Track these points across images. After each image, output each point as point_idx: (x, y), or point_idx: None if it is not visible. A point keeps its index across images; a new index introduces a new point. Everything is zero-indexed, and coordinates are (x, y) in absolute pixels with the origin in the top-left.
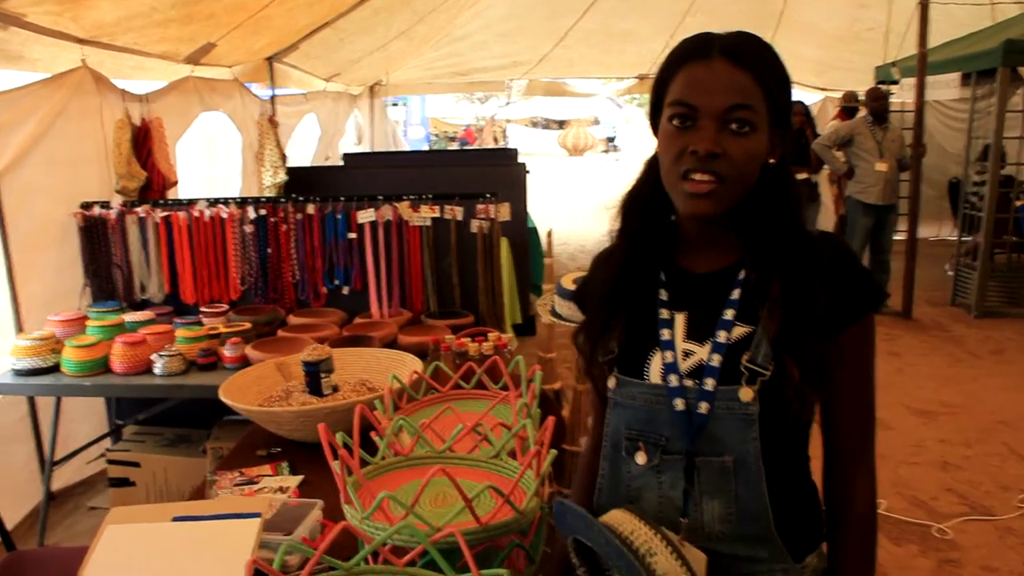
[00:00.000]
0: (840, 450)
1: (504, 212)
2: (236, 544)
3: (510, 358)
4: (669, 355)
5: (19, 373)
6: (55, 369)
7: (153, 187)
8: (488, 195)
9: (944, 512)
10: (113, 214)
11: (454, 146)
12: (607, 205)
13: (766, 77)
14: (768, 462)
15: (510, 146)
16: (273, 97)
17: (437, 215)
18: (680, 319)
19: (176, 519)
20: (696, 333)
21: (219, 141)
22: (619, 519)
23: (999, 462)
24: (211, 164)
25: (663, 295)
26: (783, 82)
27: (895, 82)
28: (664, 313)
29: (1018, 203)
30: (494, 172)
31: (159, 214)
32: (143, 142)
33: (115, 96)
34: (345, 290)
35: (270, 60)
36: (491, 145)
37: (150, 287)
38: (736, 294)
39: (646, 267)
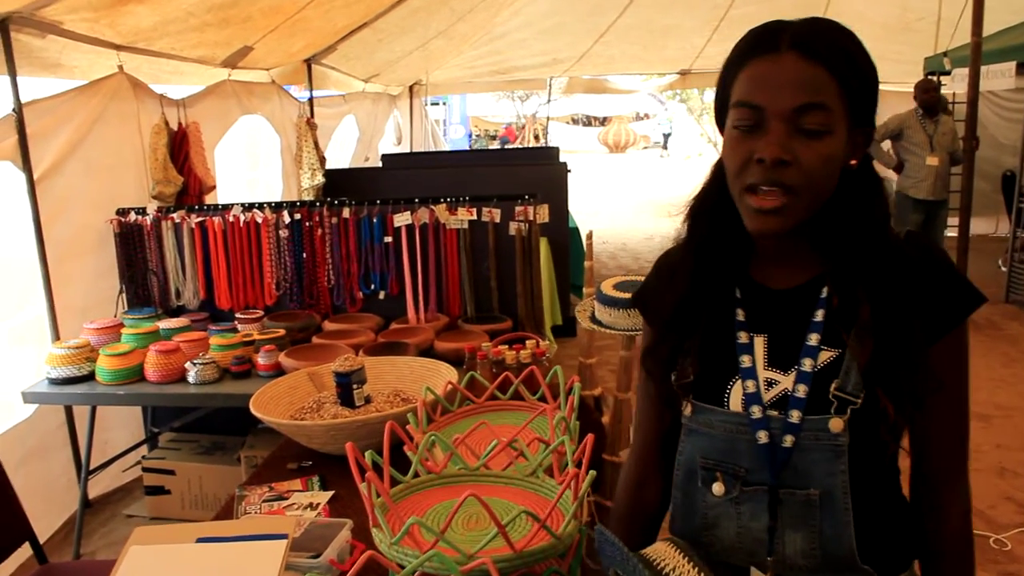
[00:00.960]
0: (933, 469)
1: (543, 214)
2: (261, 567)
3: (548, 367)
4: (751, 384)
5: (54, 382)
6: (90, 378)
7: (190, 192)
8: (527, 196)
9: (1002, 522)
10: (149, 220)
11: (495, 145)
12: (672, 208)
13: (843, 69)
14: (855, 493)
15: (551, 144)
16: (311, 99)
17: (474, 218)
18: (759, 343)
19: (200, 540)
20: (778, 359)
21: (259, 144)
22: (660, 552)
23: None
24: (251, 167)
25: (740, 315)
26: (865, 74)
27: (946, 72)
28: (743, 337)
29: None
30: (535, 171)
31: (194, 219)
32: (180, 147)
33: (153, 101)
34: (381, 295)
35: (308, 62)
36: (532, 143)
37: (185, 293)
38: (820, 315)
39: (718, 282)
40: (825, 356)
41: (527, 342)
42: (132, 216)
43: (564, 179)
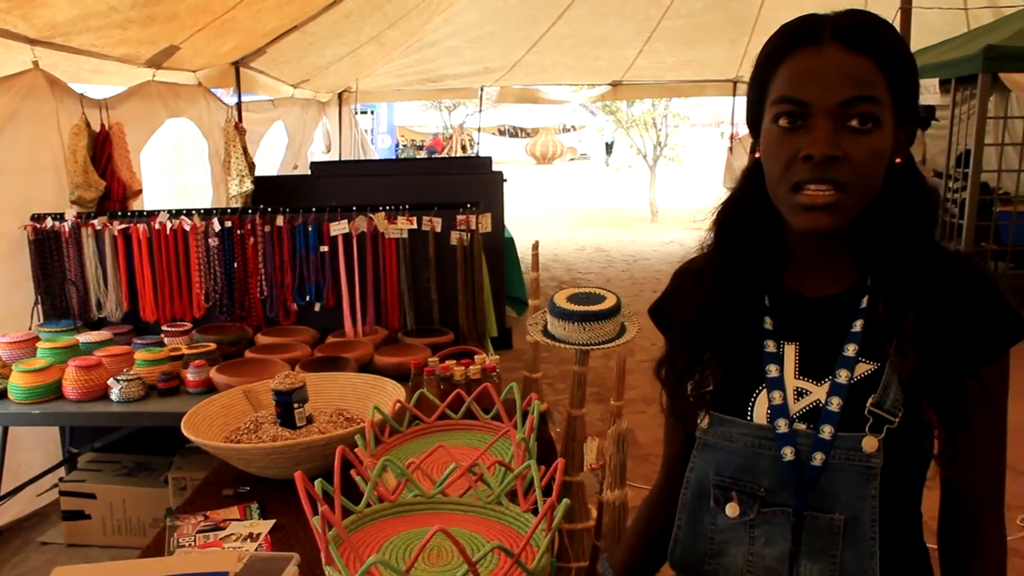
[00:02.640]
0: (966, 506)
1: (485, 223)
2: None
3: (499, 383)
4: (777, 395)
5: None
6: (2, 396)
7: (113, 197)
8: (469, 205)
9: None
10: (67, 226)
11: (422, 155)
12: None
13: (890, 62)
14: (882, 523)
15: (481, 154)
16: (239, 103)
17: (414, 227)
18: (790, 351)
19: None
20: (810, 368)
21: (186, 149)
22: None
23: None
24: (179, 173)
25: (768, 323)
26: (909, 67)
27: None
28: (770, 345)
29: (997, 210)
30: (469, 181)
31: (117, 226)
32: (103, 149)
33: (72, 101)
34: (317, 307)
35: (236, 65)
36: (459, 153)
37: (107, 304)
38: (859, 325)
39: (747, 289)
40: (862, 369)
41: (475, 356)
42: (48, 222)
43: (500, 189)
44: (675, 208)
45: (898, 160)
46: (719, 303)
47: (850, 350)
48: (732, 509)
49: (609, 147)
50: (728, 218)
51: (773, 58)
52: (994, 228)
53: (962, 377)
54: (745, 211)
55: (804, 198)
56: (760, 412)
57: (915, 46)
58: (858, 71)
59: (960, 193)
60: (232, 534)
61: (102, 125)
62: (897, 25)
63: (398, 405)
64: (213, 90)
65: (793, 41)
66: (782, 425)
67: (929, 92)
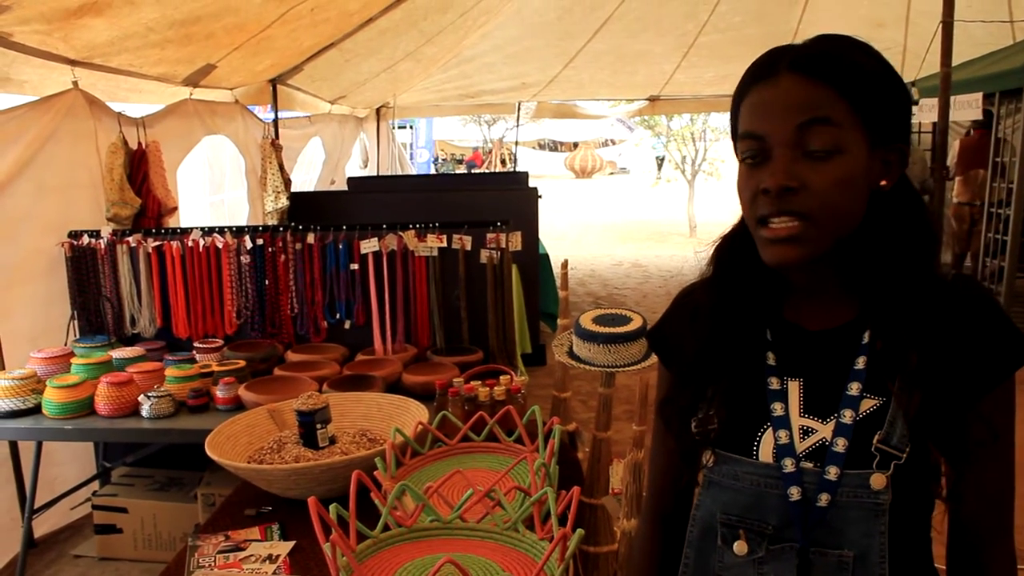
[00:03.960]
0: (975, 534)
1: (516, 241)
2: None
3: (524, 404)
4: (783, 435)
5: None
6: (36, 411)
7: (148, 214)
8: (499, 223)
9: None
10: (103, 243)
11: (461, 169)
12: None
13: (850, 83)
14: (891, 558)
15: (518, 169)
16: (276, 120)
17: (444, 245)
18: (794, 388)
19: None
20: (815, 406)
21: (223, 166)
22: None
23: None
24: (215, 190)
25: (771, 359)
26: (882, 86)
27: (915, 103)
28: (774, 383)
29: None
30: (504, 197)
31: (151, 243)
32: (139, 167)
33: (110, 119)
34: (347, 324)
35: (273, 82)
36: (499, 168)
37: (141, 321)
38: (861, 362)
39: (747, 324)
40: (867, 405)
41: (501, 377)
42: (85, 239)
43: (535, 205)
44: (714, 223)
45: (883, 183)
46: (720, 339)
47: (854, 388)
48: (740, 547)
49: (660, 162)
50: (727, 251)
51: (737, 96)
52: None
53: (967, 407)
54: (743, 244)
55: (768, 232)
56: (766, 451)
57: (958, 59)
58: (810, 98)
59: (1004, 209)
60: (252, 555)
61: (139, 143)
62: (938, 39)
63: (420, 427)
64: (250, 107)
65: (752, 77)
66: (789, 464)
67: (971, 106)
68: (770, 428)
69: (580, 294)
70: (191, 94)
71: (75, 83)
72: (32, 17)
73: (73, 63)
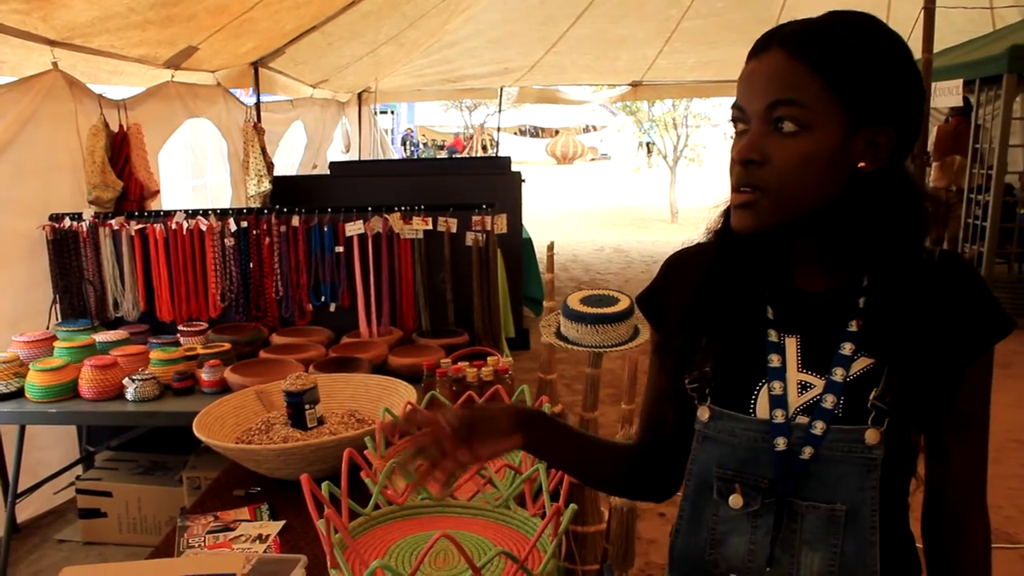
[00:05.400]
0: (952, 502)
1: (501, 224)
2: None
3: (511, 384)
4: (777, 386)
5: None
6: (19, 394)
7: (130, 197)
8: (484, 206)
9: None
10: (84, 226)
11: (443, 155)
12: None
13: (832, 64)
14: (881, 514)
15: (501, 154)
16: (258, 103)
17: (430, 227)
18: (792, 344)
19: None
20: (812, 361)
21: (206, 149)
22: None
23: (1019, 484)
24: (198, 173)
25: (770, 313)
26: (869, 66)
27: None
28: (772, 335)
29: (1021, 212)
30: (487, 181)
31: (134, 226)
32: (120, 150)
33: (91, 101)
34: (332, 307)
35: (255, 65)
36: (480, 154)
37: (124, 304)
38: (855, 325)
39: (747, 277)
40: (861, 364)
41: (488, 358)
42: (67, 222)
43: (518, 189)
44: (695, 209)
45: (862, 164)
46: (719, 287)
47: (846, 348)
48: (736, 501)
49: (649, 147)
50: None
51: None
52: (1018, 230)
53: (953, 377)
54: None
55: (732, 198)
56: (763, 406)
57: (939, 45)
58: (784, 74)
59: (984, 195)
60: (241, 535)
61: (120, 126)
62: (920, 25)
63: (409, 407)
64: (232, 90)
65: (751, 50)
66: (778, 415)
67: (951, 93)
68: (766, 383)
69: (563, 279)
70: (172, 76)
71: (55, 64)
72: None
73: (53, 44)
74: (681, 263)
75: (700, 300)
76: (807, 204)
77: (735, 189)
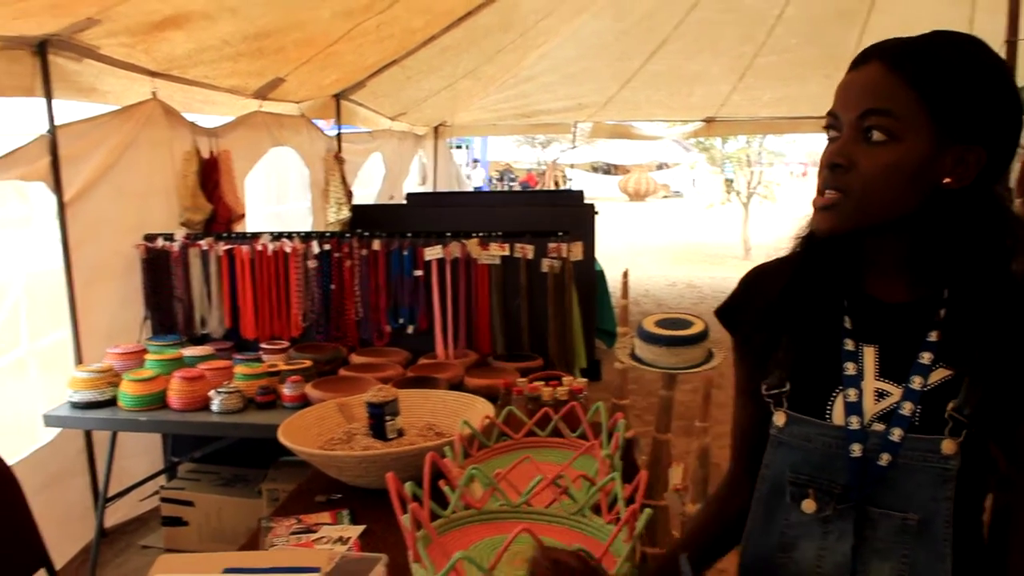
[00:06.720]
0: (1013, 528)
1: (577, 251)
2: None
3: (586, 404)
4: (853, 393)
5: (76, 406)
6: (112, 403)
7: (218, 220)
8: (560, 233)
9: None
10: (176, 246)
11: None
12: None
13: (928, 80)
14: (955, 525)
15: (574, 188)
16: (339, 134)
17: (507, 253)
18: (870, 352)
19: (228, 571)
20: (891, 370)
21: (288, 177)
22: None
23: None
24: (280, 200)
25: (847, 323)
26: (965, 84)
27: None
28: (849, 344)
29: None
30: (561, 213)
31: (222, 247)
32: (210, 175)
33: (184, 129)
34: (410, 329)
35: (337, 97)
36: (552, 188)
37: (211, 321)
38: (935, 335)
39: (826, 286)
40: (940, 375)
41: (563, 379)
42: (160, 242)
43: (592, 221)
44: (768, 245)
45: (947, 180)
46: (799, 289)
47: (925, 358)
48: (808, 505)
49: (729, 184)
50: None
51: None
52: None
53: None
54: None
55: (816, 200)
56: (838, 413)
57: (1022, 79)
58: (880, 86)
59: None
60: (323, 537)
61: (211, 152)
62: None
63: (487, 421)
64: (315, 121)
65: (851, 65)
66: (854, 422)
67: None
68: (842, 390)
69: (635, 313)
70: (260, 106)
71: (154, 94)
72: (119, 30)
73: (153, 75)
74: (761, 276)
75: (783, 300)
76: (887, 212)
77: (820, 192)
